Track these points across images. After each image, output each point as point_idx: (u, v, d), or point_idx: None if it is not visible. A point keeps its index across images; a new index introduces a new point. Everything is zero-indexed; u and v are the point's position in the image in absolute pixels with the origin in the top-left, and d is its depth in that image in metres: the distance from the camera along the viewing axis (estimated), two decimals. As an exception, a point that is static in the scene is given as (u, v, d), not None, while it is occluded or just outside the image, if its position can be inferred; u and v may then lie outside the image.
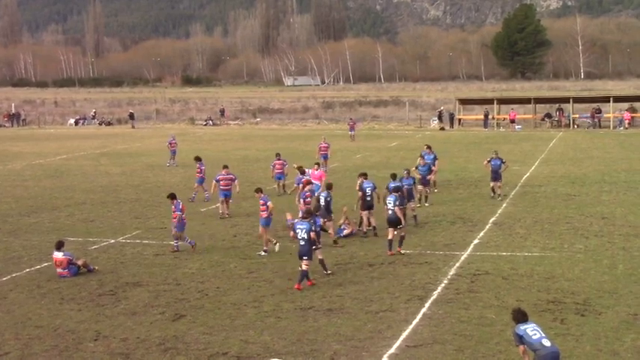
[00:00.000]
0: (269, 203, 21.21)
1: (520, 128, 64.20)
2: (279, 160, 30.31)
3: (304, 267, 17.65)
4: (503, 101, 72.18)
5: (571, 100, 67.07)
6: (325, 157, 37.36)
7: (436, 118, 70.75)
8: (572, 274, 18.47)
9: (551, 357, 11.22)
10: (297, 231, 17.93)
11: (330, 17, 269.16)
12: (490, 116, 66.67)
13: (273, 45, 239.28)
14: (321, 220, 20.53)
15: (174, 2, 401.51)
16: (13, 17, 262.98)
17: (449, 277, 18.54)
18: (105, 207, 29.54)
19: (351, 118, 62.94)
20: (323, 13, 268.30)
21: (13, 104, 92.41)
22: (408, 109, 78.78)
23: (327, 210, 22.39)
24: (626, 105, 67.51)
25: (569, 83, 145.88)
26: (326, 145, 38.16)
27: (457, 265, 19.65)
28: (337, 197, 29.31)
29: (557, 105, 69.13)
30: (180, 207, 21.62)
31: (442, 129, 66.40)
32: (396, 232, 20.65)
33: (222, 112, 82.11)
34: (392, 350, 13.81)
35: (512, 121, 64.53)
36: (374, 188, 23.36)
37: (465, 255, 20.66)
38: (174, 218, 21.59)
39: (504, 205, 28.17)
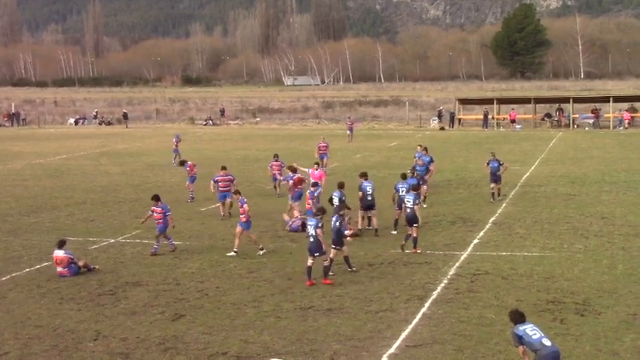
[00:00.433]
0: (245, 206, 21.02)
1: (520, 128, 64.21)
2: (276, 161, 30.19)
3: (325, 263, 18.04)
4: (503, 101, 72.18)
5: (571, 100, 67.08)
6: (324, 157, 37.30)
7: (436, 118, 70.77)
8: (572, 274, 18.48)
9: (552, 356, 11.22)
10: (308, 227, 18.23)
11: (329, 17, 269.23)
12: (490, 116, 66.67)
13: (272, 45, 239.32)
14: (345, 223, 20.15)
15: (174, 2, 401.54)
16: (13, 17, 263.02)
17: (448, 276, 18.54)
18: (105, 207, 29.54)
19: (349, 117, 62.77)
20: (323, 12, 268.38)
21: (13, 104, 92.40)
22: (408, 109, 78.79)
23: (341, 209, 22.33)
24: (625, 105, 67.52)
25: (568, 83, 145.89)
26: (325, 144, 38.12)
27: (457, 264, 19.66)
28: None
29: (557, 105, 69.15)
30: (168, 207, 21.51)
31: (442, 129, 66.42)
32: (410, 230, 20.88)
33: (222, 111, 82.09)
34: (392, 350, 13.82)
35: (513, 121, 64.53)
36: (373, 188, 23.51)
37: (464, 255, 20.66)
38: (159, 220, 21.30)
39: (504, 204, 28.17)
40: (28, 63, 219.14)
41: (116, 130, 72.04)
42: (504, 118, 68.13)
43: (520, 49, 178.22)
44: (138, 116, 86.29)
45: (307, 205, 23.08)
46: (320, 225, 18.09)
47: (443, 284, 17.89)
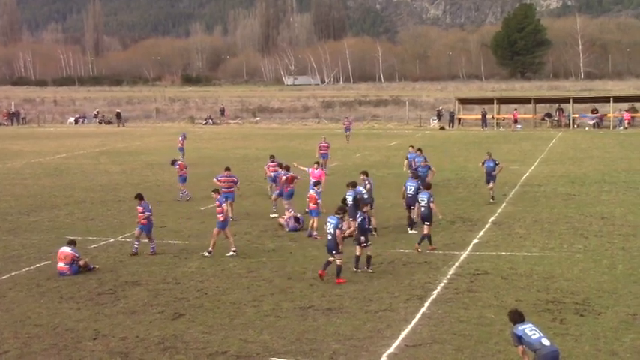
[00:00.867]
0: (224, 205, 20.98)
1: (520, 128, 64.19)
2: (273, 162, 29.91)
3: (338, 262, 18.09)
4: (503, 101, 72.17)
5: (571, 100, 67.08)
6: (325, 157, 37.26)
7: (436, 118, 70.75)
8: (572, 274, 18.48)
9: (552, 356, 11.21)
10: (327, 225, 18.32)
11: (329, 16, 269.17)
12: (490, 116, 66.65)
13: (272, 44, 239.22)
14: (344, 223, 20.09)
15: (174, 1, 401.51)
16: (13, 16, 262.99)
17: (448, 276, 18.54)
18: (104, 206, 29.54)
19: (346, 117, 62.64)
20: (323, 12, 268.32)
21: (12, 103, 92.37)
22: (408, 109, 78.78)
23: (357, 208, 22.38)
24: (625, 105, 67.53)
25: (568, 83, 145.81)
26: (326, 145, 38.08)
27: (456, 264, 19.66)
28: (337, 196, 29.33)
29: (557, 105, 69.15)
30: (150, 208, 21.39)
31: (442, 128, 66.43)
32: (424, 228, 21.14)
33: (222, 111, 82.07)
34: (391, 349, 13.82)
35: (516, 121, 64.57)
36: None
37: (464, 254, 20.66)
38: (142, 219, 21.04)
39: (504, 204, 28.17)
40: (28, 62, 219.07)
41: (116, 130, 72.03)
42: (504, 118, 68.17)
43: (520, 48, 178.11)
44: (138, 115, 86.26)
45: (312, 205, 23.04)
46: (340, 225, 18.32)
47: (442, 284, 17.90)
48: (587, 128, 62.93)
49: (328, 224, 18.31)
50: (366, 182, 23.98)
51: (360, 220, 18.95)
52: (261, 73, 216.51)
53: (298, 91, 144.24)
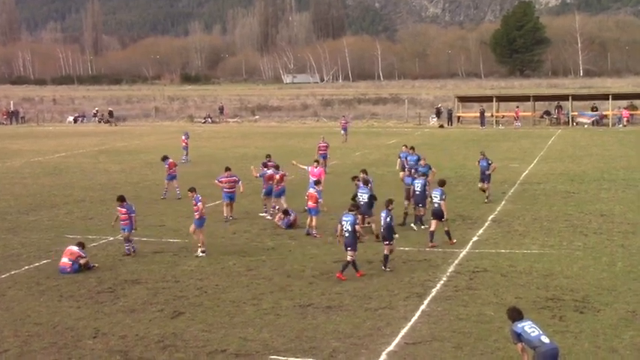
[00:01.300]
0: (199, 204, 20.96)
1: (520, 125, 64.16)
2: (269, 161, 29.75)
3: (349, 257, 18.24)
4: (502, 99, 72.16)
5: (570, 98, 67.08)
6: (324, 157, 37.14)
7: (435, 116, 70.69)
8: (571, 272, 18.49)
9: (551, 354, 11.22)
10: (343, 223, 18.46)
11: (328, 15, 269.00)
12: (489, 114, 66.62)
13: (272, 43, 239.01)
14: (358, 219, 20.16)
15: (173, 0, 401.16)
16: (12, 15, 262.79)
17: (447, 274, 18.55)
18: (104, 204, 29.52)
19: (343, 116, 62.52)
20: (322, 10, 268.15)
21: (11, 102, 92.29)
22: (407, 107, 78.76)
23: (370, 206, 22.49)
24: (624, 102, 67.52)
25: (567, 81, 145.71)
26: (325, 144, 38.03)
27: (456, 262, 19.67)
28: (336, 194, 29.34)
29: (556, 102, 69.14)
30: (133, 209, 21.23)
31: (441, 126, 66.43)
32: (439, 225, 21.39)
33: (221, 109, 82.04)
34: (391, 347, 13.82)
35: (518, 119, 64.63)
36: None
37: (463, 252, 20.67)
38: (124, 221, 20.79)
39: (503, 202, 28.17)
40: (26, 61, 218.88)
41: (115, 128, 71.99)
42: (504, 116, 68.19)
43: (519, 46, 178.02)
44: (137, 114, 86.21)
45: (312, 204, 23.02)
46: (357, 221, 18.57)
47: (442, 282, 17.90)
48: (585, 126, 62.87)
49: (344, 222, 18.44)
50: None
51: (385, 217, 19.02)
52: (260, 71, 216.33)
53: (297, 89, 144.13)
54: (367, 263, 19.60)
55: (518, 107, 66.87)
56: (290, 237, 23.07)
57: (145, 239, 22.90)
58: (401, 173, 29.43)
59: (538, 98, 70.97)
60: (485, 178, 28.34)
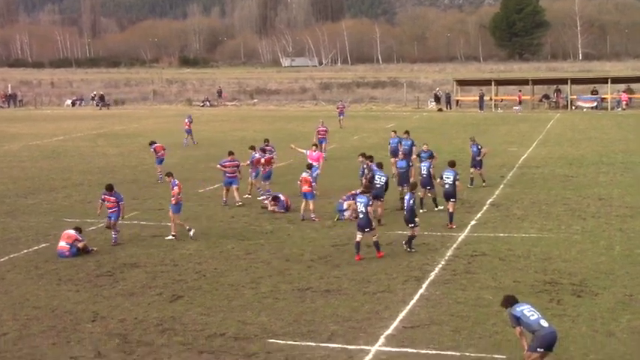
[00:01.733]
0: (175, 188, 20.86)
1: (518, 109, 63.98)
2: (267, 145, 29.67)
3: (374, 238, 18.55)
4: (501, 82, 71.99)
5: (569, 81, 66.90)
6: (323, 142, 36.99)
7: (433, 101, 70.45)
8: (569, 255, 18.53)
9: (550, 337, 11.27)
10: (357, 204, 18.77)
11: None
12: (488, 97, 66.48)
13: (270, 26, 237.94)
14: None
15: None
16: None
17: (446, 258, 18.59)
18: (102, 188, 29.36)
19: (340, 101, 62.23)
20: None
21: (9, 85, 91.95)
22: (406, 91, 78.59)
23: (385, 189, 22.70)
24: (623, 86, 67.36)
25: (567, 64, 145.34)
26: (324, 129, 37.90)
27: (454, 246, 19.70)
28: (335, 178, 29.36)
29: (555, 86, 68.98)
30: (122, 197, 20.94)
31: (440, 110, 66.32)
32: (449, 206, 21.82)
33: (220, 93, 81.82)
34: (389, 331, 13.87)
35: (520, 102, 64.53)
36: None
37: (462, 236, 20.70)
38: (112, 209, 20.49)
39: (502, 186, 28.18)
40: (24, 44, 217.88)
41: (113, 112, 71.84)
42: (502, 100, 68.03)
43: (518, 30, 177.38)
44: (135, 97, 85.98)
45: (307, 188, 22.99)
46: (370, 203, 18.83)
47: (440, 265, 17.94)
48: (584, 110, 62.73)
49: (358, 204, 18.71)
50: (364, 165, 24.10)
51: (409, 200, 19.16)
52: (258, 54, 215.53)
53: (296, 72, 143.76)
54: (365, 247, 19.60)
55: (520, 91, 66.71)
56: (289, 221, 23.06)
57: (143, 223, 22.91)
58: (392, 159, 28.82)
59: (537, 82, 70.76)
60: (476, 164, 27.97)
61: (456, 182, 21.75)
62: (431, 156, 25.95)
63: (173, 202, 20.88)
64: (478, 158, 28.07)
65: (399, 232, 20.81)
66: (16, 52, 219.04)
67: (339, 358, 12.80)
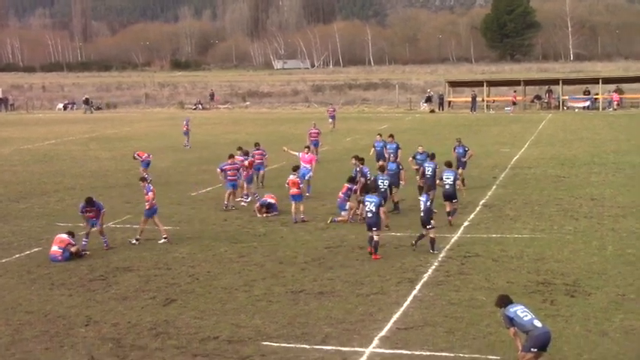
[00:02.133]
0: (150, 194, 20.75)
1: (510, 110, 64.12)
2: (258, 150, 29.54)
3: (375, 237, 18.63)
4: (492, 83, 72.15)
5: (560, 82, 67.09)
6: (316, 144, 36.95)
7: (425, 103, 70.48)
8: (562, 256, 18.56)
9: (544, 337, 11.29)
10: (367, 203, 18.96)
11: (319, 0, 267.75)
12: (480, 98, 66.61)
13: (262, 28, 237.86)
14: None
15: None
16: (0, 0, 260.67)
17: (439, 259, 18.60)
18: (94, 192, 29.28)
19: (331, 104, 62.04)
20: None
21: (0, 89, 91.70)
22: (398, 92, 78.68)
23: (389, 193, 22.79)
24: (614, 87, 67.59)
25: (558, 65, 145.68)
26: (316, 131, 37.87)
27: (447, 247, 19.71)
28: (328, 180, 29.36)
29: (546, 87, 69.17)
30: (102, 205, 20.65)
31: (432, 111, 66.42)
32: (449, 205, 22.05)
33: (212, 95, 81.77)
34: (383, 333, 13.86)
35: (514, 103, 64.67)
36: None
37: (455, 237, 20.72)
38: (93, 218, 20.21)
39: (494, 187, 28.23)
40: (15, 48, 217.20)
41: (105, 115, 71.68)
42: (494, 101, 68.16)
43: (510, 31, 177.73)
44: (127, 101, 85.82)
45: (295, 190, 22.98)
46: (383, 203, 19.15)
47: (433, 267, 17.95)
48: (576, 110, 62.88)
49: (368, 203, 18.85)
50: (357, 168, 24.13)
51: (426, 201, 19.20)
52: (250, 57, 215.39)
53: (288, 75, 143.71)
54: (359, 249, 19.62)
55: (515, 92, 66.86)
56: (282, 223, 23.04)
57: (136, 226, 22.82)
58: (378, 163, 28.57)
59: (529, 82, 70.98)
60: (460, 164, 27.78)
61: (458, 182, 22.00)
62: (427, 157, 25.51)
63: (147, 207, 20.78)
64: (463, 159, 28.11)
65: (392, 233, 20.82)
66: (7, 56, 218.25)
67: (333, 360, 12.79)
